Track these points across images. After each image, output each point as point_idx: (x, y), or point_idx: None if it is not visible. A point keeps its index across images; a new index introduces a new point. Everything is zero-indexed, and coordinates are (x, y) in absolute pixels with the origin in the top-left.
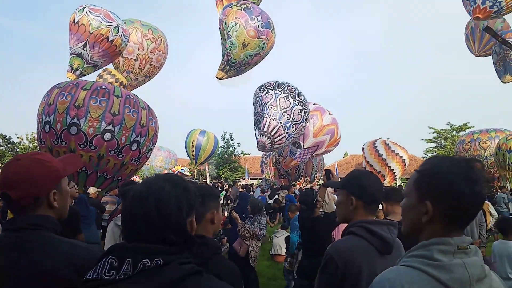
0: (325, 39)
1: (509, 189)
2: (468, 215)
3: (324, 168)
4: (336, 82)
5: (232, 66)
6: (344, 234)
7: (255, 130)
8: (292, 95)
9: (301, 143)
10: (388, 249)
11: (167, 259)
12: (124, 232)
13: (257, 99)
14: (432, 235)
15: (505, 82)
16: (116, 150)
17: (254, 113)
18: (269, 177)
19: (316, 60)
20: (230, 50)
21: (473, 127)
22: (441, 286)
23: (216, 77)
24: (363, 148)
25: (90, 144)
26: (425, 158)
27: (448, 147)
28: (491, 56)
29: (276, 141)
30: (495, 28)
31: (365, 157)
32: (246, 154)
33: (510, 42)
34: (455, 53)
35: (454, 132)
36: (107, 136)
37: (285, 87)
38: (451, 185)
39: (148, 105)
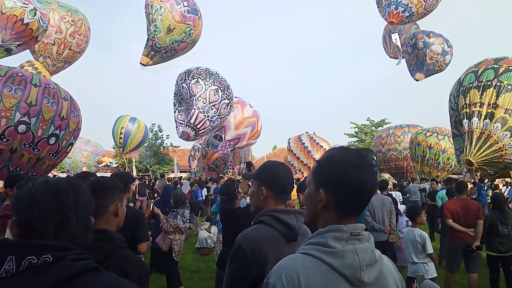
0: (257, 34)
1: (419, 180)
2: (359, 202)
3: (246, 161)
4: (267, 77)
5: (157, 52)
6: (255, 223)
7: (174, 112)
8: (221, 88)
9: (223, 135)
10: (294, 236)
11: (57, 255)
12: (18, 228)
13: (183, 84)
14: (327, 222)
15: (417, 80)
16: (31, 144)
17: (175, 94)
18: (198, 170)
19: (248, 53)
20: (154, 35)
21: (390, 122)
22: (334, 272)
23: (141, 63)
24: (288, 142)
25: (2, 137)
26: None
27: (368, 141)
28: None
29: (200, 133)
30: (409, 33)
31: (291, 150)
32: (176, 147)
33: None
34: (375, 54)
35: (373, 128)
36: (22, 128)
37: (215, 78)
38: (340, 173)
39: (70, 96)
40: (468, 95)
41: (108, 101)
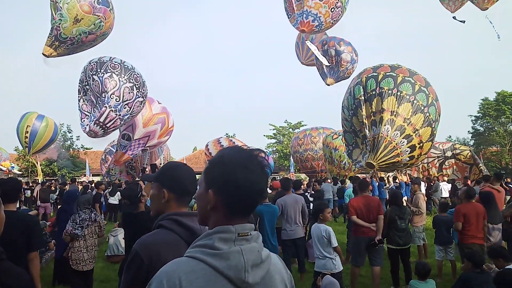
0: (174, 33)
1: (331, 180)
2: (247, 203)
3: (151, 163)
4: (186, 77)
5: (63, 43)
6: (154, 228)
7: (79, 100)
8: (137, 86)
9: (131, 134)
10: None
11: None
12: None
13: (94, 76)
14: (216, 223)
15: (328, 84)
16: None
17: (81, 81)
18: (114, 173)
19: (167, 51)
20: (60, 24)
21: (306, 125)
22: (218, 275)
23: (43, 54)
24: (207, 145)
25: None
26: None
27: (286, 143)
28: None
29: (109, 130)
30: (322, 39)
31: (210, 153)
32: (87, 149)
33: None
34: (292, 57)
35: (290, 129)
36: None
37: (131, 74)
38: (229, 174)
39: None
40: (373, 102)
41: (9, 100)
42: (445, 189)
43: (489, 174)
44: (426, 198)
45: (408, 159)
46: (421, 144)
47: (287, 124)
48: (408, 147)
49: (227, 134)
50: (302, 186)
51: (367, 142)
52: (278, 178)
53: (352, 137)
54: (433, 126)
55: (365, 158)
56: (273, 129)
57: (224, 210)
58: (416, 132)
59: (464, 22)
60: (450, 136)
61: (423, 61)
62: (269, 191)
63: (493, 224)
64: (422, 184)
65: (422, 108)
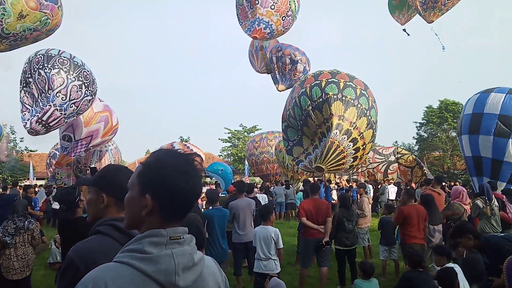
0: (134, 31)
1: (282, 183)
2: (184, 207)
3: (91, 166)
4: (139, 78)
5: (5, 38)
6: (91, 234)
7: (20, 91)
8: (86, 84)
9: (72, 135)
10: None
11: None
12: None
13: (41, 71)
14: (149, 228)
15: (280, 90)
16: None
17: (24, 72)
18: (61, 177)
19: (121, 49)
20: (2, 18)
21: (261, 129)
22: (147, 279)
23: None
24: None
25: None
26: (221, 157)
27: (241, 146)
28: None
29: (52, 129)
30: (276, 45)
31: None
32: (32, 151)
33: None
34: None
35: (245, 133)
36: None
37: (81, 71)
38: (169, 179)
39: None
40: (323, 109)
41: None
42: (392, 191)
43: (430, 178)
44: (372, 201)
45: (352, 160)
46: (364, 146)
47: (242, 128)
48: (353, 149)
49: (181, 137)
50: (254, 189)
51: (324, 147)
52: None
53: (296, 133)
54: (374, 128)
55: (309, 158)
56: (228, 133)
57: (160, 215)
58: (361, 135)
59: (409, 35)
60: (396, 142)
61: (373, 70)
62: (223, 194)
63: (433, 225)
64: (370, 187)
65: (365, 111)
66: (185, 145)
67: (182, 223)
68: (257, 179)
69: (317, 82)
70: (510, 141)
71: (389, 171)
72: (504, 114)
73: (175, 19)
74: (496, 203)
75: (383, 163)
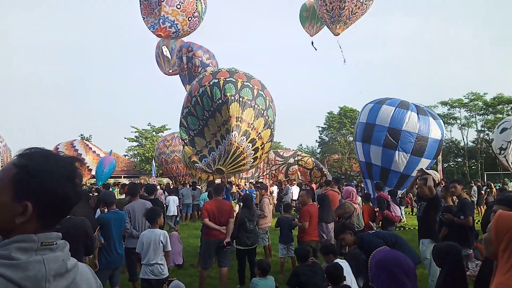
0: (40, 23)
1: (190, 185)
2: (64, 214)
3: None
4: (40, 71)
5: None
6: None
7: None
8: None
9: None
10: None
11: None
12: None
13: None
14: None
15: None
16: None
17: None
18: None
19: (26, 41)
20: None
21: (170, 128)
22: (13, 286)
23: None
24: (57, 147)
25: None
26: (127, 157)
27: (148, 146)
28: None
29: None
30: (170, 48)
31: None
32: None
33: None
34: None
35: (154, 133)
36: None
37: None
38: (53, 186)
39: None
40: (222, 110)
41: None
42: (295, 192)
43: (330, 179)
44: (277, 201)
45: (252, 160)
46: (262, 146)
47: (151, 127)
48: (253, 150)
49: (81, 135)
50: (156, 190)
51: (222, 150)
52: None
53: (198, 122)
54: (271, 127)
55: (213, 156)
56: (135, 132)
57: (37, 222)
58: (259, 135)
59: (316, 49)
60: (301, 145)
61: (282, 75)
62: (122, 196)
63: (326, 223)
64: (275, 188)
65: (262, 112)
66: (87, 145)
67: (68, 228)
68: (165, 180)
69: (215, 80)
70: (396, 153)
71: (289, 172)
72: (393, 127)
73: (80, 13)
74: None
75: (284, 165)
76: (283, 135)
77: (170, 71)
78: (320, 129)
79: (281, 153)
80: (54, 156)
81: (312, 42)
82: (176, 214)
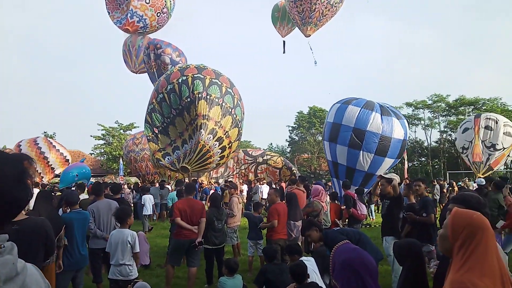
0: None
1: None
2: (13, 216)
3: None
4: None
5: None
6: None
7: None
8: None
9: None
10: None
11: None
12: None
13: None
14: None
15: None
16: None
17: None
18: None
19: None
20: None
21: (138, 126)
22: None
23: None
24: (19, 145)
25: None
26: (93, 155)
27: (115, 144)
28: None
29: None
30: (137, 45)
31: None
32: None
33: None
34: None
35: (121, 131)
36: None
37: None
38: (4, 188)
39: None
40: (191, 109)
41: None
42: (264, 191)
43: (295, 178)
44: (246, 200)
45: (219, 159)
46: (230, 144)
47: (118, 125)
48: (219, 149)
49: (45, 133)
50: (121, 190)
51: (190, 148)
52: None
53: (162, 120)
54: (239, 126)
55: (177, 155)
56: (102, 130)
57: None
58: (226, 133)
59: (284, 52)
60: (271, 144)
61: (253, 74)
62: (86, 196)
63: (294, 221)
64: (245, 186)
65: (230, 110)
66: (51, 143)
67: (28, 227)
68: (133, 179)
69: (183, 78)
70: (361, 153)
71: (258, 171)
72: (358, 128)
73: (43, 6)
74: (328, 199)
75: (253, 164)
76: (254, 134)
77: (137, 69)
78: (290, 128)
79: (250, 152)
80: (1, 155)
81: (284, 43)
82: (151, 213)
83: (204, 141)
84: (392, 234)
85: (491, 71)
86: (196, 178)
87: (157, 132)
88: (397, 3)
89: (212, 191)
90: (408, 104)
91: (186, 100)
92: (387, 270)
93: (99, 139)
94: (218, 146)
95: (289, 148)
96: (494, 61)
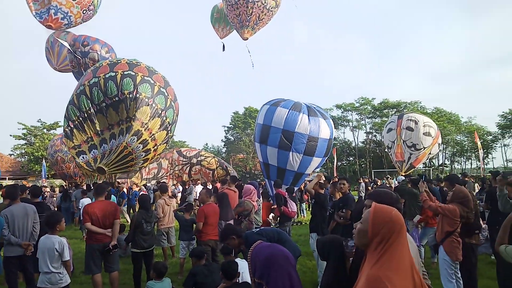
0: None
1: (86, 186)
2: None
3: None
4: None
5: None
6: None
7: None
8: None
9: None
10: None
11: None
12: None
13: None
14: None
15: None
16: None
17: None
18: None
19: None
20: None
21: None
22: None
23: None
24: None
25: None
26: (13, 156)
27: (38, 144)
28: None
29: None
30: (74, 38)
31: None
32: None
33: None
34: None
35: (45, 130)
36: None
37: None
38: None
39: None
40: (119, 109)
41: None
42: (199, 191)
43: (226, 179)
44: (180, 201)
45: (142, 162)
46: (155, 147)
47: (41, 124)
48: (143, 151)
49: None
50: (41, 193)
51: (109, 149)
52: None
53: (78, 114)
54: (169, 129)
55: (94, 154)
56: (23, 129)
57: None
58: (152, 136)
59: (224, 50)
60: (207, 144)
61: (191, 73)
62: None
63: (225, 221)
64: (180, 188)
65: (160, 112)
66: None
67: None
68: (57, 182)
69: (112, 74)
70: (290, 153)
71: (192, 172)
72: (287, 129)
73: None
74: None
75: (187, 165)
76: (189, 134)
77: (61, 67)
78: (226, 128)
79: (185, 153)
80: None
81: (224, 45)
82: None
83: (126, 143)
84: (316, 231)
85: (412, 76)
86: (108, 181)
87: (72, 126)
88: (327, 10)
89: (143, 193)
90: (338, 106)
91: (113, 99)
92: (314, 265)
93: (19, 139)
94: (142, 148)
95: (225, 148)
96: (415, 67)
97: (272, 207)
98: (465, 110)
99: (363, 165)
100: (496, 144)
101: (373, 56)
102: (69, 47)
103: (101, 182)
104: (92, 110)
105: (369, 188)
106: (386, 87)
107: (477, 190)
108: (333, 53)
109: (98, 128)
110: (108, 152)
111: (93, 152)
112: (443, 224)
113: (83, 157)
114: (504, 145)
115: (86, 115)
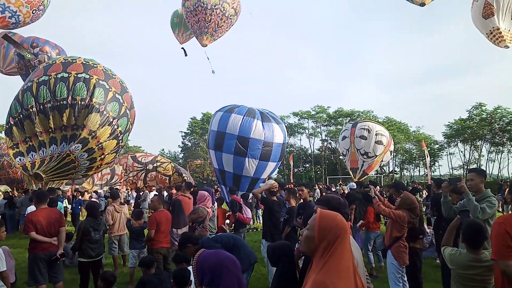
0: None
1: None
2: None
3: None
4: None
5: None
6: None
7: None
8: None
9: None
10: None
11: None
12: None
13: None
14: None
15: None
16: None
17: None
18: None
19: None
20: None
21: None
22: None
23: None
24: None
25: None
26: None
27: None
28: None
29: None
30: (5, 44)
31: None
32: None
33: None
34: None
35: None
36: None
37: None
38: None
39: None
40: (64, 113)
41: None
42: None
43: (181, 185)
44: (134, 208)
45: (86, 170)
46: (102, 157)
47: None
48: (87, 160)
49: None
50: None
51: (49, 156)
52: None
53: (20, 110)
54: (120, 138)
55: (33, 157)
56: None
57: None
58: (100, 145)
59: (186, 55)
60: (163, 149)
61: (146, 77)
62: None
63: (177, 228)
64: (135, 194)
65: (111, 120)
66: None
67: None
68: (2, 188)
69: (64, 75)
70: (246, 159)
71: (148, 179)
72: (242, 136)
73: None
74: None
75: (142, 171)
76: (145, 139)
77: (7, 70)
78: (183, 134)
79: (140, 159)
80: None
81: (184, 50)
82: None
83: (70, 150)
84: (265, 237)
85: (365, 86)
86: (53, 188)
87: (12, 123)
88: (284, 21)
89: (93, 200)
90: (295, 114)
91: (61, 102)
92: (265, 271)
93: None
94: (87, 157)
95: (182, 154)
96: (368, 77)
97: (227, 213)
98: (413, 120)
99: (318, 172)
100: (442, 152)
101: (328, 65)
102: (17, 48)
103: (47, 188)
104: (34, 108)
105: (324, 194)
106: (341, 96)
107: (424, 196)
108: (291, 62)
109: (36, 129)
110: (49, 159)
111: (31, 155)
112: (392, 229)
113: (20, 159)
114: (450, 154)
115: (27, 113)
